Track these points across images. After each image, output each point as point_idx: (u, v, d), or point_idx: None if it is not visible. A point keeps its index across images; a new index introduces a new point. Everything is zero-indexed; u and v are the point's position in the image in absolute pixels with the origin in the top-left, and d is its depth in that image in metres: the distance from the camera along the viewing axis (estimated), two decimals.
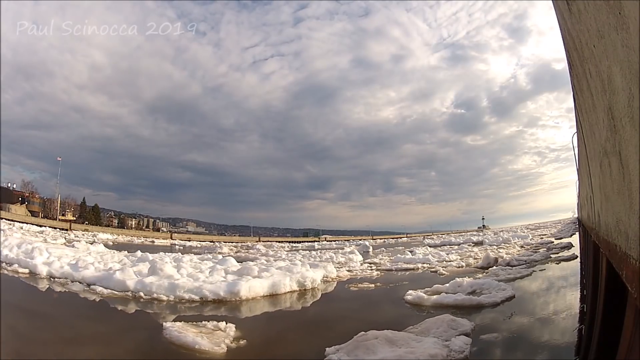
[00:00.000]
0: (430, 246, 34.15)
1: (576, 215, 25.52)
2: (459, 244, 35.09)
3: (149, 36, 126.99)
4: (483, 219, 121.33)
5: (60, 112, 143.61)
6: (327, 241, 73.80)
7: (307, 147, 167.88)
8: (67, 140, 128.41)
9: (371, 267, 18.28)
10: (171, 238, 57.52)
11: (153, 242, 46.57)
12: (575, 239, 23.95)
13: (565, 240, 25.96)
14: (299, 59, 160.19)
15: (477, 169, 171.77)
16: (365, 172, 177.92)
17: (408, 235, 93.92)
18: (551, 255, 16.94)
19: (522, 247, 25.31)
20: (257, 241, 65.35)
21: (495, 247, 27.33)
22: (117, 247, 26.66)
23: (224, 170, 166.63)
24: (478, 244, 33.20)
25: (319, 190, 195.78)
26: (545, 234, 40.20)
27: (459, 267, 16.36)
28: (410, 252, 24.46)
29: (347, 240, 75.71)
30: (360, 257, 22.61)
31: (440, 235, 72.64)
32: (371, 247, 35.85)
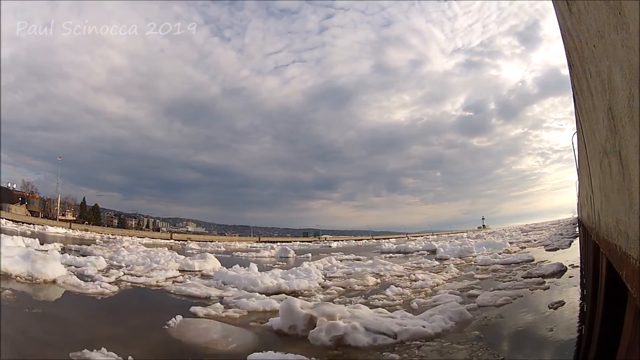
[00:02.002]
0: (384, 252, 30.69)
1: (576, 216, 23.81)
2: (412, 252, 29.24)
3: (174, 40, 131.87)
4: (483, 219, 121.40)
5: (72, 113, 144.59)
6: (327, 241, 73.80)
7: (317, 148, 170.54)
8: (76, 141, 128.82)
9: None
10: (171, 238, 57.51)
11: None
12: (573, 254, 14.90)
13: (556, 258, 15.27)
14: (319, 65, 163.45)
15: (481, 169, 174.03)
16: (372, 172, 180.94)
17: (408, 235, 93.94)
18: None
19: (478, 267, 15.90)
20: (257, 241, 65.34)
21: (429, 265, 18.29)
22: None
23: (232, 171, 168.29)
24: (432, 252, 26.25)
25: (325, 191, 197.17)
26: (534, 240, 31.04)
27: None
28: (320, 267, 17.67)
29: (348, 240, 75.72)
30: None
31: (428, 237, 72.49)
32: (292, 252, 30.14)
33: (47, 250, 16.34)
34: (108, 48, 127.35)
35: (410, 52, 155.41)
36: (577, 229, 25.85)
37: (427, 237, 72.54)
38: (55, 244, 23.43)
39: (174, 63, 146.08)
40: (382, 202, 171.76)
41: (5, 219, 40.32)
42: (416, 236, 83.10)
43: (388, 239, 77.05)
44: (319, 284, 12.93)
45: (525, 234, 47.30)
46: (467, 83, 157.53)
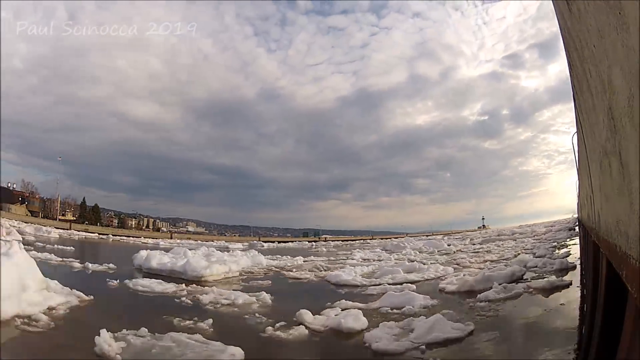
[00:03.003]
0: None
1: (576, 216, 23.73)
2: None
3: (219, 47, 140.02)
4: (483, 218, 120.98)
5: (95, 116, 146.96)
6: (324, 241, 73.69)
7: (337, 151, 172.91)
8: (92, 143, 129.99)
9: None
10: (171, 238, 57.50)
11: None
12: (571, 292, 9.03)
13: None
14: (355, 75, 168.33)
15: (488, 170, 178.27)
16: (386, 173, 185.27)
17: (408, 235, 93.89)
18: None
19: None
20: (257, 241, 65.33)
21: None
22: None
23: (248, 173, 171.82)
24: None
25: (336, 191, 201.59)
26: (514, 248, 25.33)
27: None
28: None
29: (348, 241, 75.62)
30: None
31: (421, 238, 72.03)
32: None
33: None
34: (148, 52, 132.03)
35: (440, 65, 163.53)
36: (571, 236, 25.89)
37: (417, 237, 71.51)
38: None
39: (215, 70, 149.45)
40: (392, 202, 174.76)
41: (6, 219, 40.31)
42: (417, 236, 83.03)
43: (389, 238, 76.96)
44: None
45: (516, 238, 39.54)
46: (487, 91, 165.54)
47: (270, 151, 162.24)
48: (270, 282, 13.96)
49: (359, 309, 8.27)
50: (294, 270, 17.92)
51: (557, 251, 18.48)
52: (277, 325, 7.31)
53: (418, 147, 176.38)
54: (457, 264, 18.23)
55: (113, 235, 50.20)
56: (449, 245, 33.46)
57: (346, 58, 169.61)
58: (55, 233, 36.60)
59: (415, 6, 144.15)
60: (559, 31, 3.24)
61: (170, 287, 11.50)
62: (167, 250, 20.95)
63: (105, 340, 5.46)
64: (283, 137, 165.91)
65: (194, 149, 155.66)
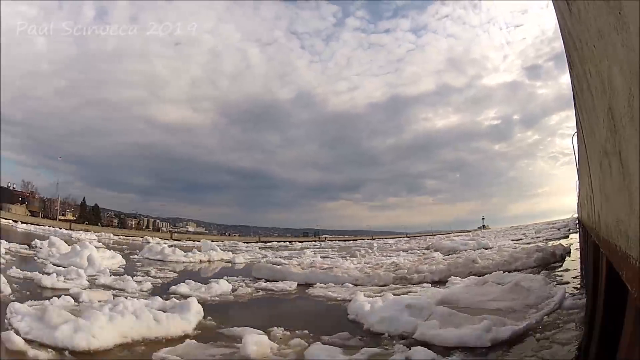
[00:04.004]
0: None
1: (576, 215, 23.72)
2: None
3: (265, 57, 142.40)
4: (483, 218, 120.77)
5: (122, 119, 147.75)
6: (323, 241, 73.67)
7: (355, 154, 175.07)
8: (112, 146, 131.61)
9: None
10: (171, 238, 57.46)
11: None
12: None
13: None
14: (387, 85, 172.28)
15: (495, 172, 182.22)
16: (397, 174, 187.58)
17: (408, 235, 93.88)
18: None
19: None
20: (257, 241, 65.31)
21: None
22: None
23: (264, 174, 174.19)
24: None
25: (347, 192, 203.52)
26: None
27: None
28: None
29: (349, 241, 75.60)
30: None
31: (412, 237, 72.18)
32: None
33: None
34: (189, 61, 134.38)
35: (465, 76, 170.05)
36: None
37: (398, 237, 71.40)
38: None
39: (256, 78, 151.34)
40: (399, 202, 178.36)
41: (5, 218, 40.32)
42: (417, 236, 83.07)
43: (388, 238, 76.97)
44: None
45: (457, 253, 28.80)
46: (503, 98, 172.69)
47: (291, 154, 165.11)
48: None
49: None
50: None
51: None
52: None
53: (432, 150, 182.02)
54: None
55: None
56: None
57: (381, 70, 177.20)
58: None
59: (450, 28, 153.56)
60: (559, 31, 3.24)
61: None
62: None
63: None
64: (307, 141, 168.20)
65: (217, 152, 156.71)
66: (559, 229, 29.83)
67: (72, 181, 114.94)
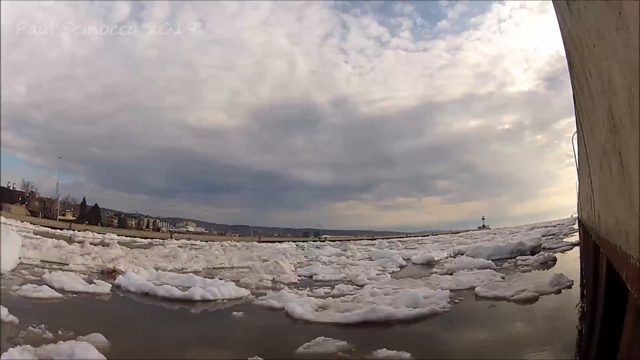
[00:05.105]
0: None
1: (575, 215, 23.38)
2: None
3: (309, 69, 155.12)
4: (483, 218, 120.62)
5: (154, 124, 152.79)
6: (323, 241, 73.54)
7: (373, 156, 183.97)
8: (135, 150, 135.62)
9: None
10: (171, 238, 57.41)
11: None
12: None
13: None
14: (419, 95, 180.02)
15: (503, 172, 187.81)
16: (410, 175, 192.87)
17: (408, 235, 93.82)
18: None
19: None
20: (257, 241, 65.26)
21: None
22: None
23: (282, 175, 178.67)
24: None
25: (359, 192, 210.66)
26: None
27: None
28: None
29: (347, 241, 75.49)
30: None
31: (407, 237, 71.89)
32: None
33: None
34: (235, 71, 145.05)
35: (490, 86, 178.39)
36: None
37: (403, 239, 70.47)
38: None
39: (298, 88, 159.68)
40: (407, 203, 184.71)
41: (5, 218, 40.25)
42: (417, 236, 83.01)
43: (388, 238, 76.90)
44: None
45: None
46: (520, 105, 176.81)
47: (312, 157, 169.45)
48: None
49: None
50: None
51: None
52: None
53: (447, 153, 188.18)
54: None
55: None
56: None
57: (416, 82, 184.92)
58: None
59: (480, 48, 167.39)
60: (559, 31, 3.24)
61: None
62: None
63: None
64: (331, 145, 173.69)
65: (240, 155, 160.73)
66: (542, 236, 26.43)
67: (85, 182, 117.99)
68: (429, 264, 17.54)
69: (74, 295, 8.70)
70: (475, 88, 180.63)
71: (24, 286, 8.37)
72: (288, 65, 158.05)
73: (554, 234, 27.27)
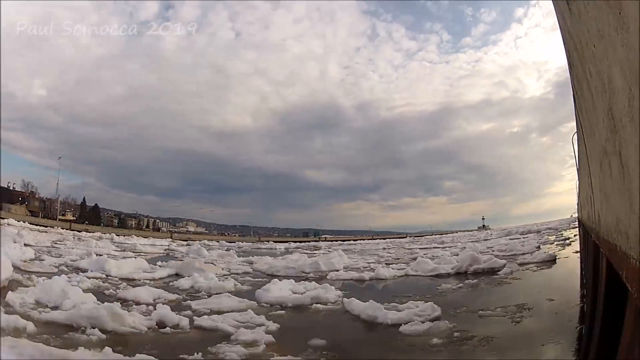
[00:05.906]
0: None
1: (575, 215, 23.08)
2: None
3: (340, 78, 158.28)
4: (483, 218, 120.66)
5: (175, 128, 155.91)
6: (323, 241, 73.55)
7: (386, 158, 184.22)
8: (150, 152, 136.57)
9: None
10: (171, 238, 57.39)
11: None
12: None
13: None
14: (437, 102, 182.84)
15: (508, 173, 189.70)
16: (418, 176, 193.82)
17: (408, 235, 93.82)
18: None
19: None
20: (257, 241, 65.28)
21: None
22: None
23: (294, 176, 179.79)
24: None
25: (366, 192, 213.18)
26: None
27: None
28: None
29: (343, 241, 75.49)
30: None
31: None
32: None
33: None
34: (265, 77, 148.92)
35: (505, 92, 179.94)
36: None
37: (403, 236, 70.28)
38: None
39: (324, 93, 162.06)
40: (414, 203, 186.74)
41: (5, 218, 40.26)
42: (416, 236, 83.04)
43: (386, 238, 76.94)
44: None
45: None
46: (530, 109, 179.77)
47: (326, 158, 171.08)
48: None
49: None
50: None
51: None
52: None
53: (457, 154, 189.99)
54: None
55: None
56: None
57: (436, 90, 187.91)
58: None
59: (499, 60, 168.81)
60: (559, 31, 3.24)
61: None
62: None
63: None
64: (347, 147, 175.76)
65: (257, 157, 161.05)
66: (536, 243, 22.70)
67: (92, 183, 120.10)
68: None
69: None
70: (490, 95, 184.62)
71: None
72: (319, 73, 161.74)
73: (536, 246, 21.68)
